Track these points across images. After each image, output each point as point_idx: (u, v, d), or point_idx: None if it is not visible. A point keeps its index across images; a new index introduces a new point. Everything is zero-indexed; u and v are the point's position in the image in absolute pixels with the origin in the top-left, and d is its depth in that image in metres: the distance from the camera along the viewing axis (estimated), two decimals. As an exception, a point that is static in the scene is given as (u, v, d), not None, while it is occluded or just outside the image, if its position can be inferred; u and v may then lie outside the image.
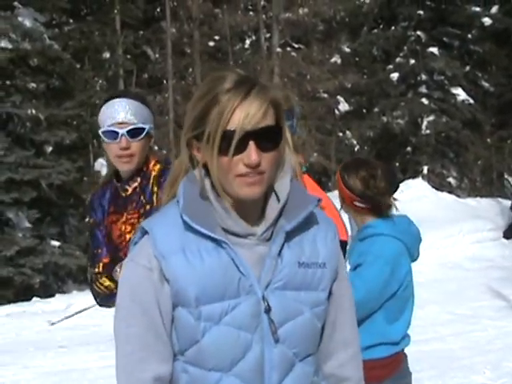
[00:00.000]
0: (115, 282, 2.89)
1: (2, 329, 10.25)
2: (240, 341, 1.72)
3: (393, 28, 23.64)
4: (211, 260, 1.72)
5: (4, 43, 15.53)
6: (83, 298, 12.59)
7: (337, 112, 24.17)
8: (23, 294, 13.82)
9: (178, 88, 22.82)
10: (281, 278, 1.75)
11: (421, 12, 23.06)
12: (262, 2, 23.57)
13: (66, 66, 17.31)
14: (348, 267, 3.09)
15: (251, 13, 24.27)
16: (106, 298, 2.98)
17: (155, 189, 2.92)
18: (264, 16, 23.71)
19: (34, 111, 15.77)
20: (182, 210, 1.73)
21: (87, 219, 3.10)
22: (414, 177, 20.97)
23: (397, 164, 22.68)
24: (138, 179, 2.95)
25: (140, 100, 2.94)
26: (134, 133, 2.88)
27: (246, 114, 1.67)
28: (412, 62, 22.76)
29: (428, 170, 22.10)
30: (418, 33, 23.02)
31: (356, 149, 24.47)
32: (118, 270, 2.88)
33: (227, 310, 1.72)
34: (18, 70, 16.10)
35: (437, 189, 20.08)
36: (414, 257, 3.22)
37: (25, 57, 16.26)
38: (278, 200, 1.78)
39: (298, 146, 2.86)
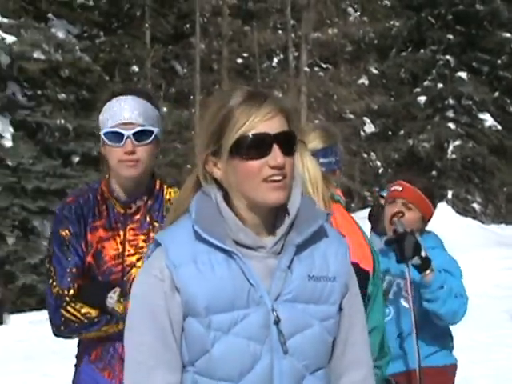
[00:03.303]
0: (98, 310, 2.51)
1: (24, 336, 10.33)
2: (249, 351, 1.74)
3: (421, 51, 23.65)
4: (221, 271, 1.75)
5: (37, 54, 15.73)
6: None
7: (362, 133, 24.18)
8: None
9: (205, 103, 22.95)
10: (290, 291, 1.77)
11: (450, 36, 23.07)
12: (292, 21, 23.70)
13: (96, 78, 17.50)
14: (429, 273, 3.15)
15: (280, 31, 24.42)
16: (79, 328, 2.53)
17: None
18: (293, 35, 23.84)
19: (62, 121, 15.94)
20: (194, 221, 1.77)
21: (56, 230, 2.59)
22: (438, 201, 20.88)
23: (421, 187, 22.57)
24: (145, 198, 2.60)
25: (148, 99, 2.57)
26: (140, 135, 2.52)
27: (265, 119, 1.75)
28: (440, 85, 22.75)
29: (452, 194, 22.02)
30: (447, 57, 23.02)
31: (380, 171, 24.44)
32: (114, 296, 2.51)
33: (237, 320, 1.74)
34: (50, 80, 16.31)
35: (461, 214, 19.99)
36: None
37: (56, 68, 16.47)
38: (288, 213, 1.81)
39: (329, 178, 2.78)
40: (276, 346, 1.76)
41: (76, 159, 16.18)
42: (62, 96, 16.36)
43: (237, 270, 1.76)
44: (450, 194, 21.97)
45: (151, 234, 2.53)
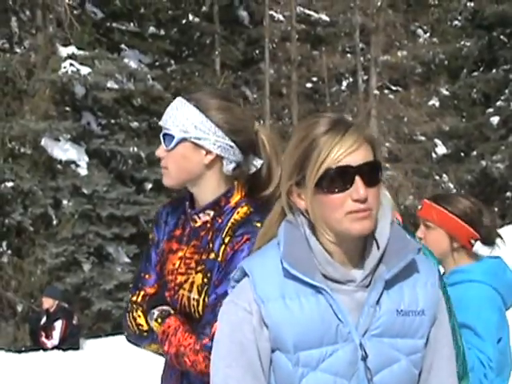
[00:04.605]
0: (149, 326, 2.34)
1: (100, 361, 10.48)
2: None
3: (493, 71, 23.29)
4: (310, 306, 1.74)
5: (110, 84, 16.13)
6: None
7: (434, 155, 23.88)
8: (121, 327, 14.11)
9: (275, 128, 23.04)
10: (378, 326, 1.76)
11: (523, 55, 22.68)
12: (361, 45, 23.67)
13: (167, 106, 17.76)
14: None
15: (349, 55, 24.40)
16: (134, 337, 2.39)
17: (226, 239, 2.27)
18: (362, 58, 23.79)
19: (135, 149, 16.26)
20: (283, 256, 1.75)
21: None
22: (513, 223, 20.45)
23: (495, 209, 22.17)
24: (212, 213, 2.33)
25: (197, 104, 2.31)
26: (166, 140, 2.32)
27: (348, 152, 1.72)
28: (513, 105, 22.36)
29: (529, 216, 21.49)
30: (520, 76, 22.62)
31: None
32: (155, 313, 2.32)
33: (325, 356, 1.73)
34: (123, 109, 16.69)
35: (538, 236, 19.45)
36: (507, 305, 2.99)
37: (129, 97, 16.86)
38: (378, 245, 1.78)
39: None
40: (363, 382, 1.74)
41: (149, 186, 16.47)
42: (135, 124, 16.72)
43: (325, 305, 1.74)
44: (526, 216, 21.47)
45: (203, 257, 2.30)
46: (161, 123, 2.35)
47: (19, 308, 15.40)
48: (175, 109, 2.32)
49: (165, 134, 2.32)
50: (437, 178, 24.08)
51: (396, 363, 1.77)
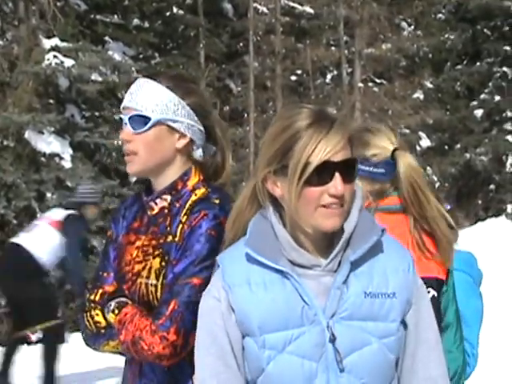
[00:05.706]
0: (107, 321, 2.26)
1: (84, 354, 10.45)
2: (304, 369, 1.76)
3: (477, 64, 23.37)
4: (275, 290, 1.79)
5: (94, 76, 16.03)
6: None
7: (418, 148, 23.96)
8: (105, 320, 14.06)
9: (260, 121, 23.03)
10: (346, 308, 1.78)
11: (507, 48, 22.75)
12: (345, 38, 23.68)
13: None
14: None
15: (333, 48, 24.40)
16: (91, 337, 2.30)
17: (184, 219, 2.19)
18: (346, 51, 23.80)
19: (120, 142, 16.17)
20: (246, 242, 1.81)
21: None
22: (496, 215, 20.56)
23: (479, 202, 22.29)
24: (168, 198, 2.25)
25: (169, 85, 2.20)
26: (136, 122, 2.18)
27: (331, 147, 1.75)
28: (497, 98, 22.45)
29: (512, 208, 21.63)
30: (504, 69, 22.70)
31: (437, 185, 24.16)
32: (112, 305, 2.24)
33: (291, 338, 1.76)
34: (107, 101, 16.60)
35: (521, 228, 19.57)
36: None
37: (113, 89, 16.76)
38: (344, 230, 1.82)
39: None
40: (332, 364, 1.76)
41: (133, 179, 16.39)
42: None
43: (291, 289, 1.78)
44: (509, 208, 21.59)
45: (161, 241, 2.23)
46: (127, 104, 2.21)
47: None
48: (146, 89, 2.19)
49: (133, 116, 2.19)
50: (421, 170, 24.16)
51: (367, 346, 1.78)
